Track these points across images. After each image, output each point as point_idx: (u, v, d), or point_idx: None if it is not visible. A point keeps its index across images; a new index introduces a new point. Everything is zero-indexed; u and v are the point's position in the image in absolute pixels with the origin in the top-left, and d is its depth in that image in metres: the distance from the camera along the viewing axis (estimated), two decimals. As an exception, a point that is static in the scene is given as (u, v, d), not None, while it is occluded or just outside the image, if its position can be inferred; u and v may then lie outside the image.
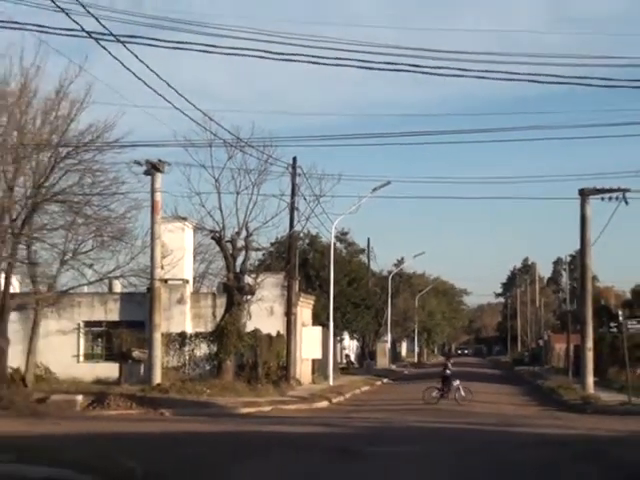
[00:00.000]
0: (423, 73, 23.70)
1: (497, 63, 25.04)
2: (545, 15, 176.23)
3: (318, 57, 22.98)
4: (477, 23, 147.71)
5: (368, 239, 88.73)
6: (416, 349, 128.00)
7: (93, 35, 21.65)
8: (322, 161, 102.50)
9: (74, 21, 20.64)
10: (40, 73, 36.78)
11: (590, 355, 47.21)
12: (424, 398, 41.58)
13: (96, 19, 20.98)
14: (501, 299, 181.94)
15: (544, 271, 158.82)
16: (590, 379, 47.04)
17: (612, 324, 45.16)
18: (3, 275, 36.71)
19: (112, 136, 38.10)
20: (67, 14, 20.35)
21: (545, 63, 25.09)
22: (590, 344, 47.30)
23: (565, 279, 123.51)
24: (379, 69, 23.54)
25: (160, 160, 41.71)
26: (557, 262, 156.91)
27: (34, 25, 21.89)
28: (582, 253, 48.95)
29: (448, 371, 43.41)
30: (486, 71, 24.59)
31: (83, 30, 21.15)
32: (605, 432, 29.52)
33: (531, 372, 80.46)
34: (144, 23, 23.66)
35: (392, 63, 23.48)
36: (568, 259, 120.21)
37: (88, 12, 20.66)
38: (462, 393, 42.06)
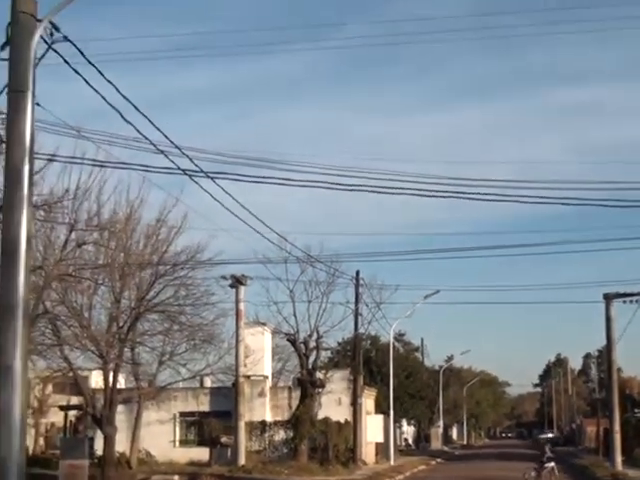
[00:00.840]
0: (469, 199, 23.84)
1: (526, 189, 25.12)
2: (563, 145, 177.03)
3: (379, 187, 23.25)
4: (507, 154, 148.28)
5: (422, 339, 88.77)
6: (465, 433, 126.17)
7: (187, 172, 22.13)
8: (382, 273, 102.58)
9: (171, 161, 21.13)
10: (143, 204, 37.19)
11: (618, 437, 46.50)
12: (524, 476, 40.35)
13: (190, 159, 21.44)
14: (538, 389, 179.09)
15: (575, 364, 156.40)
16: (618, 458, 46.23)
17: (636, 410, 44.58)
18: (112, 374, 36.94)
19: (203, 256, 38.52)
20: (166, 155, 20.83)
21: (572, 188, 25.17)
22: (617, 427, 46.63)
23: (594, 371, 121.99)
24: (430, 196, 23.78)
25: (243, 275, 42.25)
26: (586, 356, 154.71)
27: (139, 165, 22.51)
28: (608, 349, 48.52)
29: (547, 457, 41.86)
30: (518, 195, 24.73)
31: (179, 168, 21.64)
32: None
33: (566, 452, 78.77)
34: (230, 162, 24.10)
35: (441, 191, 23.71)
36: (596, 353, 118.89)
37: (183, 153, 21.15)
38: (556, 473, 40.94)
